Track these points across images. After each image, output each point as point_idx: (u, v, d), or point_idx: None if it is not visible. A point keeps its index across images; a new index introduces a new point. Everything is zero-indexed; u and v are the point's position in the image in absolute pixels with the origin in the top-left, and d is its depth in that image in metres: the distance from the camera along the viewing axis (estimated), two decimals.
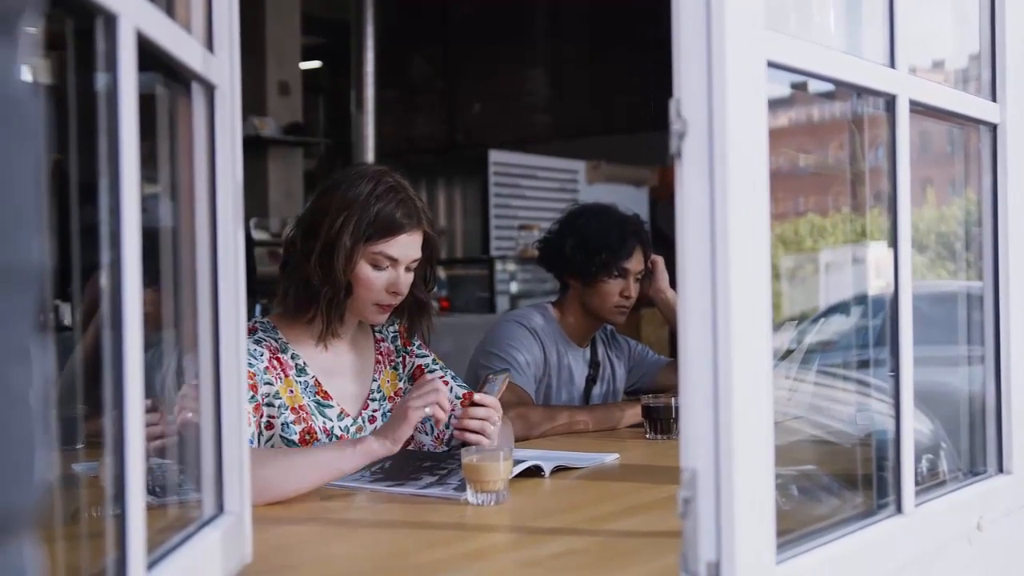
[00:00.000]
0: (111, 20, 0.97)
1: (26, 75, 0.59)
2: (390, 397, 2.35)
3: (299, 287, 2.20)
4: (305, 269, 2.17)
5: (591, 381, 3.10)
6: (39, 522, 0.61)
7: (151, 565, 1.07)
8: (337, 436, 2.22)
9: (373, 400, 2.33)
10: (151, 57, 1.09)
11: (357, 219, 2.15)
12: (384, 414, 2.32)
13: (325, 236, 2.15)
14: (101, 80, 0.99)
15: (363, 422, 2.28)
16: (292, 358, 2.22)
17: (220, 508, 1.35)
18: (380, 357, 2.38)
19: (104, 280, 1.00)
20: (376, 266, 2.19)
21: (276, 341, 2.22)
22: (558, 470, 2.17)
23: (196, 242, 1.33)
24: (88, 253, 1.01)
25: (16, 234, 0.56)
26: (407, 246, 2.20)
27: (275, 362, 2.18)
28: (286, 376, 2.19)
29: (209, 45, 1.33)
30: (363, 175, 2.21)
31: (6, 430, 0.55)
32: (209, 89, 1.33)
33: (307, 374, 2.23)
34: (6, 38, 0.57)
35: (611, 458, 2.34)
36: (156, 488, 1.30)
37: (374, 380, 2.34)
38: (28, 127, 0.58)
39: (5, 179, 0.55)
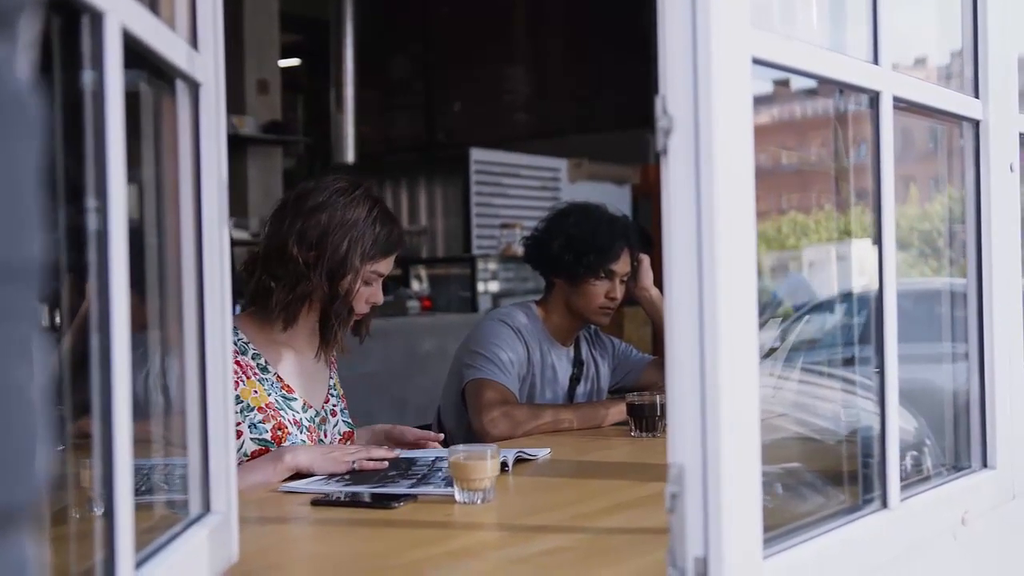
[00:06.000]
0: (97, 17, 0.97)
1: (25, 72, 0.59)
2: (342, 396, 2.47)
3: (296, 300, 2.25)
4: (305, 284, 2.23)
5: (575, 380, 3.09)
6: (39, 518, 0.61)
7: (139, 564, 1.06)
8: (306, 427, 2.28)
9: (332, 396, 2.43)
10: (135, 54, 1.09)
11: (363, 242, 2.24)
12: (343, 410, 2.44)
13: (331, 256, 2.22)
14: (86, 77, 0.98)
15: (326, 414, 2.38)
16: (253, 358, 2.27)
17: (207, 507, 1.34)
18: (332, 358, 2.47)
19: (90, 280, 0.99)
20: (368, 283, 2.29)
21: (235, 343, 2.24)
22: (518, 462, 2.21)
23: (181, 242, 1.33)
24: (72, 253, 1.00)
25: (20, 230, 0.56)
26: (392, 262, 2.35)
27: (235, 366, 2.20)
28: (248, 377, 2.22)
29: (193, 43, 1.32)
30: (352, 195, 2.28)
31: (10, 425, 0.56)
32: (194, 87, 1.32)
33: (269, 372, 2.28)
34: (5, 36, 0.57)
35: (543, 452, 2.36)
36: (140, 487, 1.29)
37: (331, 378, 2.44)
38: (29, 124, 0.58)
39: (9, 176, 0.55)
